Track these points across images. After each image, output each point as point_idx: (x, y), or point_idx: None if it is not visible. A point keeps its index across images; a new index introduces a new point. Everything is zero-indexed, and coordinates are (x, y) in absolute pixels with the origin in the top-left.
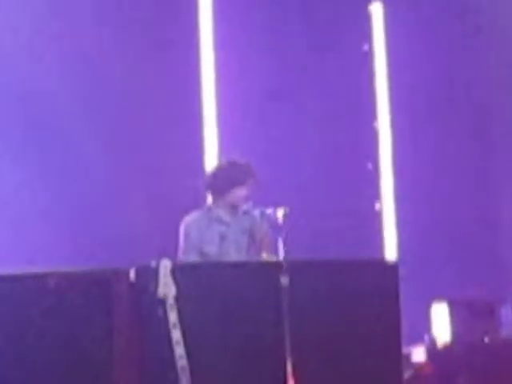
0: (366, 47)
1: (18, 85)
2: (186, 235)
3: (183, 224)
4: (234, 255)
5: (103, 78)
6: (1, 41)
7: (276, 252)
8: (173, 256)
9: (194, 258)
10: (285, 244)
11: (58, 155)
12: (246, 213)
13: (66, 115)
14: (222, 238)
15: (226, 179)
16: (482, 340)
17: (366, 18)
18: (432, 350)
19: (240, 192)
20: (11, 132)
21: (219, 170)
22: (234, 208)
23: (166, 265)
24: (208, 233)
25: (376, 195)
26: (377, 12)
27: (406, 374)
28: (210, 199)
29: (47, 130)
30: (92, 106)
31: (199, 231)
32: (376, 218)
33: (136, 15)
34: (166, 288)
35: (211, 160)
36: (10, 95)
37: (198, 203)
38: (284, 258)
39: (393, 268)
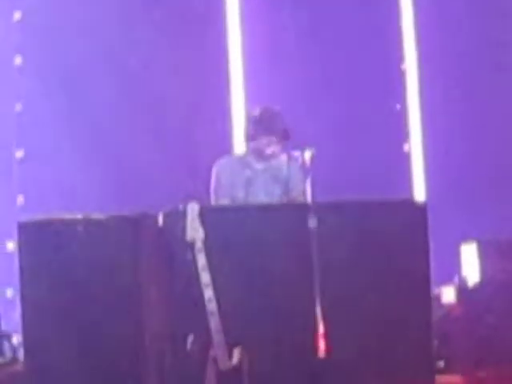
0: None
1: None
2: (218, 179)
3: (215, 167)
4: (263, 201)
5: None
6: None
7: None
8: (205, 199)
9: (224, 201)
10: (312, 186)
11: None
12: (279, 162)
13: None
14: (250, 183)
15: (256, 125)
16: None
17: None
18: (462, 291)
19: (269, 139)
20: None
21: (252, 115)
22: (265, 155)
23: (193, 208)
24: (238, 177)
25: (405, 136)
26: None
27: (436, 315)
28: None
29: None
30: (116, 67)
31: (230, 175)
32: (405, 159)
33: None
34: (194, 231)
35: (238, 101)
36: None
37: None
38: (312, 199)
39: (421, 208)
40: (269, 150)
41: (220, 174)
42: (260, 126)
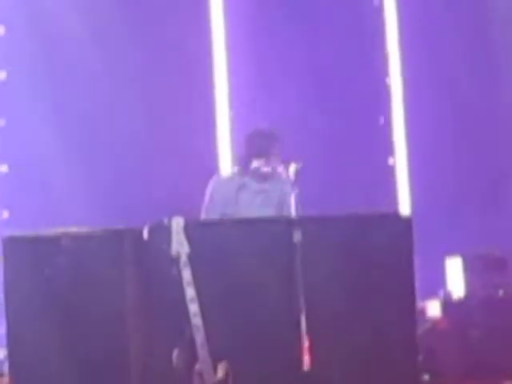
0: (376, 2)
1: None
2: (211, 196)
3: (211, 184)
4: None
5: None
6: None
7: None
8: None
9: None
10: (298, 199)
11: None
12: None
13: None
14: (243, 203)
15: (250, 147)
16: (496, 294)
17: None
18: (447, 305)
19: (263, 162)
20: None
21: (246, 137)
22: (260, 176)
23: (178, 222)
24: (231, 197)
25: (389, 150)
26: None
27: (421, 329)
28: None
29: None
30: (100, 81)
31: (225, 195)
32: (390, 172)
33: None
34: (179, 246)
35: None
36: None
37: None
38: (296, 213)
39: (407, 222)
40: (263, 172)
41: (214, 192)
42: (254, 147)
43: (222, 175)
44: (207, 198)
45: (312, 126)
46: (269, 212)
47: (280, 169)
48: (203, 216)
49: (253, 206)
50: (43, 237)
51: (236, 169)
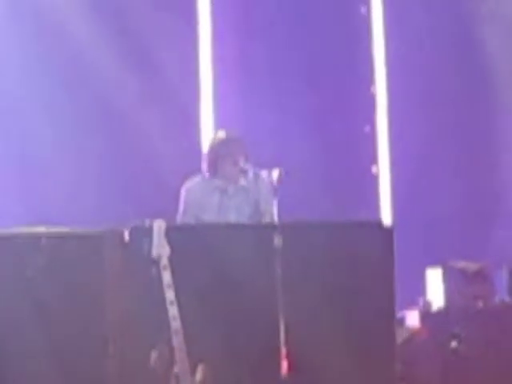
0: (363, 10)
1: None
2: (186, 201)
3: (184, 189)
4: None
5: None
6: None
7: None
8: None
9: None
10: (280, 205)
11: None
12: (247, 182)
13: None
14: (220, 206)
15: (218, 149)
16: (476, 305)
17: None
18: (426, 315)
19: (230, 165)
20: None
21: (213, 140)
22: (231, 178)
23: (160, 225)
24: (207, 200)
25: (373, 158)
26: None
27: (400, 338)
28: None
29: None
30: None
31: (199, 198)
32: (372, 181)
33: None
34: (160, 248)
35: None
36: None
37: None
38: (278, 219)
39: (388, 231)
40: (233, 173)
41: (189, 196)
42: (222, 149)
43: (194, 180)
44: (181, 204)
45: (296, 133)
46: (244, 214)
47: (264, 173)
48: (179, 221)
49: (227, 209)
50: (22, 235)
51: (207, 173)
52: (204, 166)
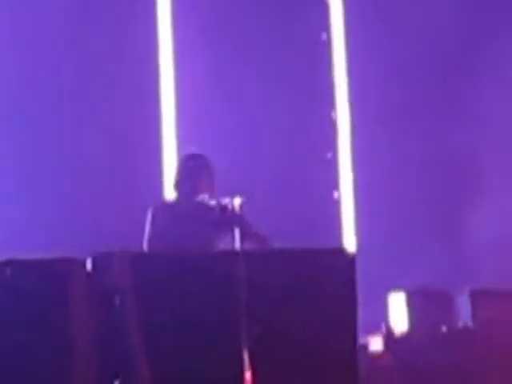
0: (324, 36)
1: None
2: (151, 224)
3: (150, 213)
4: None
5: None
6: None
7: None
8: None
9: (157, 246)
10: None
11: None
12: (204, 203)
13: None
14: (182, 228)
15: (182, 173)
16: (440, 330)
17: (324, 8)
18: (389, 340)
19: (196, 184)
20: None
21: (178, 163)
22: (194, 200)
23: (122, 254)
24: (171, 223)
25: (335, 184)
26: (335, 1)
27: (363, 364)
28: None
29: None
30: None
31: (164, 221)
32: (335, 206)
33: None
34: (123, 277)
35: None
36: None
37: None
38: (240, 247)
39: (350, 257)
40: (197, 197)
41: (154, 219)
42: (186, 173)
43: (160, 204)
44: (147, 228)
45: (259, 159)
46: (209, 239)
47: (226, 200)
48: (145, 247)
49: (193, 234)
50: None
51: (173, 196)
52: (172, 186)
